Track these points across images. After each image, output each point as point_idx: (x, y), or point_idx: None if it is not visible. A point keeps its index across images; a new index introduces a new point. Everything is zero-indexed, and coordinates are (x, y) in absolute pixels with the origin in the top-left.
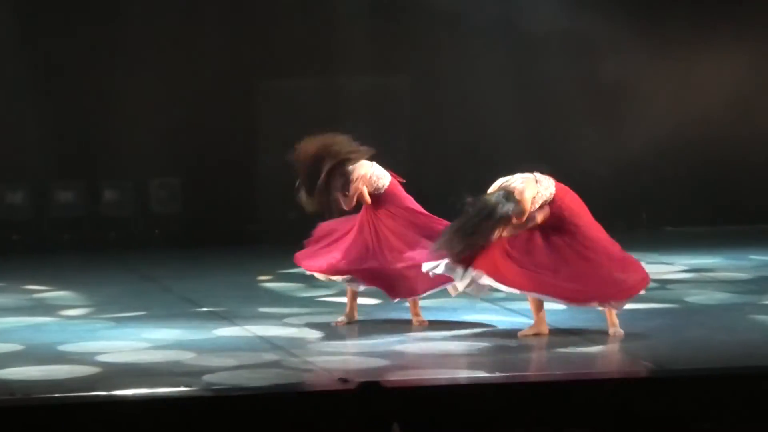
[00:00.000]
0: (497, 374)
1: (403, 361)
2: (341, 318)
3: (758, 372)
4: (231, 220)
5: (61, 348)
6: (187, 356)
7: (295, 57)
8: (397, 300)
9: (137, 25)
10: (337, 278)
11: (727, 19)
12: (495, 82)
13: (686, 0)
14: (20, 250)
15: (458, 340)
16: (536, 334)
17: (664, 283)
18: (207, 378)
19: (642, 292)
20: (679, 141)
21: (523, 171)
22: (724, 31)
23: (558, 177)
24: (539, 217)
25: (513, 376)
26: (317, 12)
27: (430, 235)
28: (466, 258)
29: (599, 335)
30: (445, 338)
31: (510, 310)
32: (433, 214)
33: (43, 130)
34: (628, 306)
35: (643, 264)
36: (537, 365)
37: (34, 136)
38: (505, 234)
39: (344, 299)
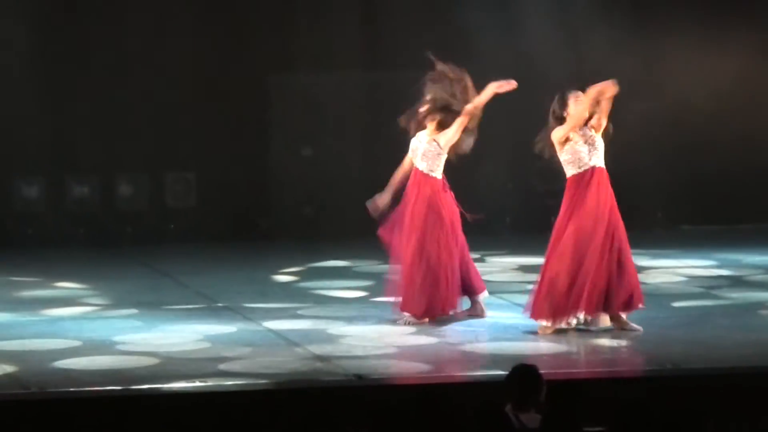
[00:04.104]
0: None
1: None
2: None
3: None
4: (245, 214)
5: (80, 341)
6: (203, 352)
7: (306, 52)
8: None
9: (147, 22)
10: None
11: (736, 9)
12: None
13: None
14: (34, 245)
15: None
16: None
17: (684, 282)
18: (223, 372)
19: None
20: (691, 139)
21: None
22: (732, 23)
23: None
24: None
25: None
26: (329, 6)
27: None
28: None
29: (614, 332)
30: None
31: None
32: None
33: (58, 123)
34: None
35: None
36: (556, 363)
37: (48, 129)
38: None
39: (355, 294)
